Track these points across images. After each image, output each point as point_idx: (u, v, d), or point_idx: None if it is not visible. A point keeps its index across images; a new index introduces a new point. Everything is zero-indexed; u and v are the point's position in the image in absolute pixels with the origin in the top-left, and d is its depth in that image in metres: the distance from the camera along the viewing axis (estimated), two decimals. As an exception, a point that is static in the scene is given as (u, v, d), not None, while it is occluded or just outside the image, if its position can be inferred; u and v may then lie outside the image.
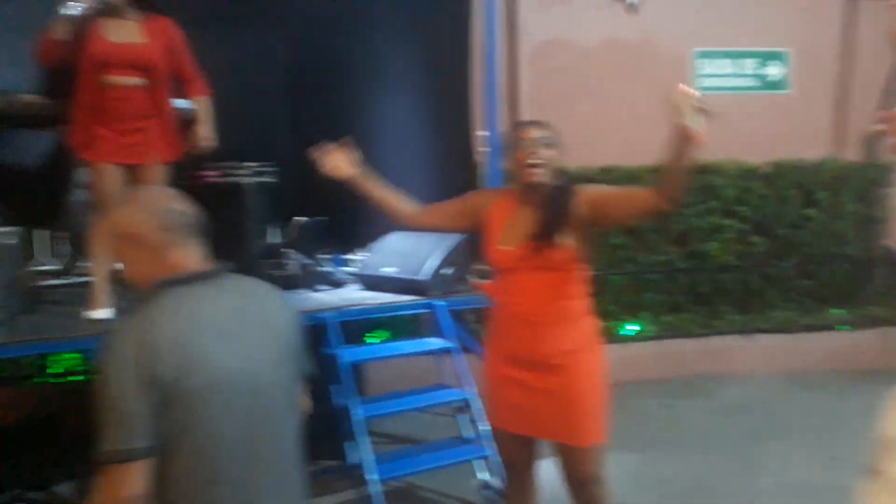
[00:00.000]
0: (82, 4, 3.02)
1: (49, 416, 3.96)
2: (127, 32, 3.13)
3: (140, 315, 1.47)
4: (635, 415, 4.71)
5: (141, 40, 3.15)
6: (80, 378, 4.21)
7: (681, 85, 1.97)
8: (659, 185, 2.12)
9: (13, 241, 3.35)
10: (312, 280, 4.04)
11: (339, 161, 2.63)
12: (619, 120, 6.14)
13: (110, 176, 3.14)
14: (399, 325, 4.84)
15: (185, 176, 3.94)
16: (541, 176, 2.33)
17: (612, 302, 5.71)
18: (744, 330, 5.86)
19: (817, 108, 6.58)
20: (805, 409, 4.88)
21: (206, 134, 3.39)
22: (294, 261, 4.07)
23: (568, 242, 2.31)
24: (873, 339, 5.94)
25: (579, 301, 2.40)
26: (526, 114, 5.99)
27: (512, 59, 5.96)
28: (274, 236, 4.27)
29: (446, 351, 3.60)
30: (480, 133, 4.06)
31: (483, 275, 4.11)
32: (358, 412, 3.23)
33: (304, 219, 4.33)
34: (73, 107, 3.14)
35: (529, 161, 2.33)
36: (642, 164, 5.95)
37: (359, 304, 3.61)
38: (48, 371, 4.28)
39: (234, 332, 1.53)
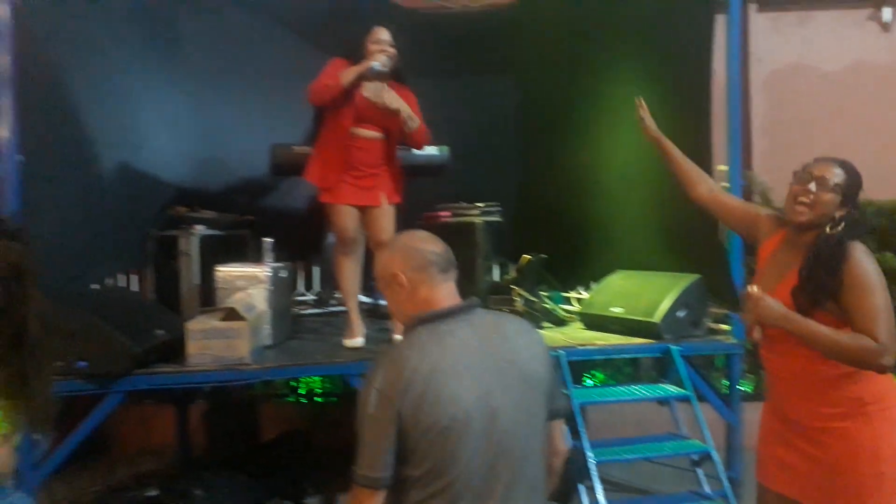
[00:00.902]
0: (384, 66, 3.39)
1: (301, 433, 4.35)
2: (378, 92, 3.45)
3: (395, 351, 1.57)
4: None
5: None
6: (328, 399, 4.63)
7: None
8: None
9: (286, 274, 3.79)
10: (537, 317, 4.07)
11: (648, 121, 2.70)
12: (869, 150, 5.52)
13: (347, 215, 3.47)
14: (616, 367, 4.71)
15: (420, 216, 4.22)
16: (803, 216, 2.07)
17: None
18: None
19: None
20: None
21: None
22: (519, 298, 4.13)
23: (827, 307, 2.00)
24: None
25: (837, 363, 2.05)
26: (759, 146, 5.62)
27: (745, 89, 5.63)
28: (501, 273, 4.39)
29: (681, 399, 3.43)
30: (719, 168, 3.86)
31: (720, 318, 3.89)
32: (589, 456, 3.16)
33: (528, 256, 4.40)
34: (319, 152, 3.53)
35: (799, 198, 2.10)
36: (894, 197, 5.31)
37: (590, 344, 3.55)
38: (300, 391, 4.74)
39: (476, 368, 1.55)
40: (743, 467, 3.46)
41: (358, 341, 3.51)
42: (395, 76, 3.52)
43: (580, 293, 4.39)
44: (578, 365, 4.26)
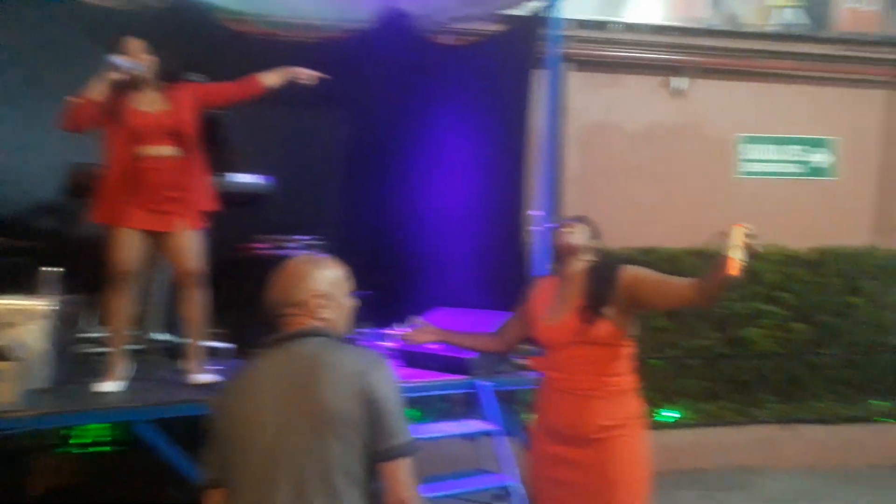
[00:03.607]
0: (128, 63, 3.03)
1: (76, 488, 3.90)
2: (153, 102, 3.16)
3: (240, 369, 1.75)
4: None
5: (168, 107, 3.17)
6: (113, 448, 4.15)
7: (740, 223, 2.09)
8: (698, 287, 2.24)
9: (70, 308, 3.41)
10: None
11: (426, 333, 2.94)
12: (660, 202, 6.18)
13: (127, 244, 3.10)
14: (431, 404, 4.79)
15: (234, 247, 4.06)
16: (573, 238, 2.47)
17: (652, 387, 5.59)
18: (784, 420, 5.70)
19: (862, 195, 6.57)
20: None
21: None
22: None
23: (612, 317, 2.34)
24: (917, 433, 5.74)
25: (623, 377, 2.41)
26: (571, 194, 6.06)
27: (560, 141, 6.06)
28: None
29: (487, 434, 3.55)
30: (532, 212, 4.11)
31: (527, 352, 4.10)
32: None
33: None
34: (103, 184, 3.14)
35: (564, 230, 2.51)
36: (684, 246, 5.96)
37: (402, 383, 3.57)
38: (79, 440, 4.22)
39: (272, 398, 1.62)
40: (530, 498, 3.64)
41: (109, 386, 3.10)
42: (167, 78, 3.23)
43: (399, 330, 4.42)
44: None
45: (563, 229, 2.52)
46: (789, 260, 6.16)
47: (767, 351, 6.02)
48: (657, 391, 5.68)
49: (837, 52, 6.49)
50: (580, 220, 2.56)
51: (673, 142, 6.28)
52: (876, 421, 5.85)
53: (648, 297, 2.35)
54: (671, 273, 5.40)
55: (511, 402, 4.57)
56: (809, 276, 6.16)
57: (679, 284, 2.32)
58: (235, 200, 3.96)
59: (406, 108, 4.36)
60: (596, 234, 2.55)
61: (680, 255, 5.89)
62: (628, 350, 2.44)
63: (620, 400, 2.39)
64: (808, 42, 6.45)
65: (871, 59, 6.57)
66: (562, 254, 2.51)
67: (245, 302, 3.58)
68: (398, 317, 4.49)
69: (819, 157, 6.54)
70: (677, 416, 5.56)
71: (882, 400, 6.04)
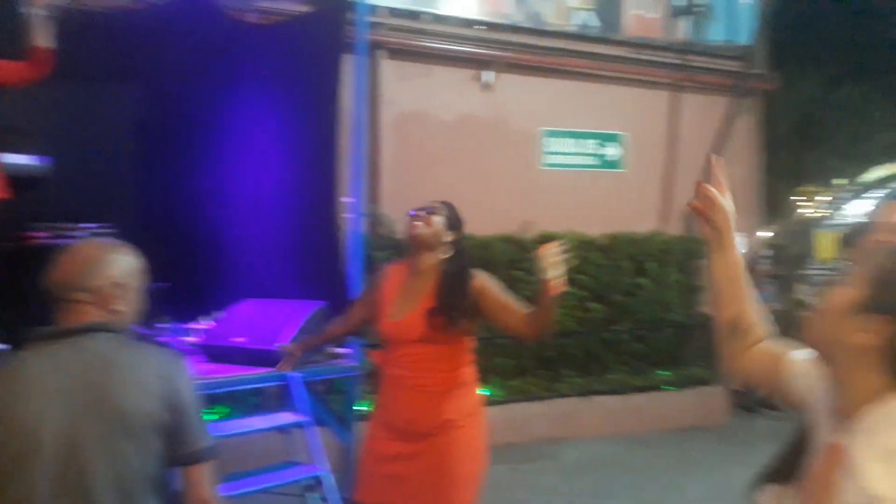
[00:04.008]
0: None
1: None
2: None
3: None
4: (485, 481, 4.79)
5: None
6: None
7: (546, 246, 2.23)
8: (528, 322, 2.35)
9: None
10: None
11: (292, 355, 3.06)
12: (473, 191, 6.40)
13: None
14: (242, 399, 4.62)
15: (10, 236, 3.61)
16: (421, 230, 2.44)
17: (464, 366, 5.83)
18: (583, 393, 6.20)
19: (647, 186, 7.27)
20: (637, 468, 5.22)
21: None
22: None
23: (460, 322, 2.38)
24: (694, 398, 6.50)
25: (464, 369, 2.47)
26: (387, 182, 6.09)
27: (374, 128, 6.06)
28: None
29: (298, 426, 3.48)
30: (345, 199, 4.07)
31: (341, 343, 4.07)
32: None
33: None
34: None
35: (415, 221, 2.46)
36: (495, 233, 6.24)
37: (202, 378, 3.40)
38: None
39: (59, 397, 1.46)
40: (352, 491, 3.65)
41: None
42: None
43: (203, 324, 4.20)
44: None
45: (413, 220, 2.46)
46: (585, 245, 6.67)
47: (569, 329, 6.49)
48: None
49: (628, 55, 7.11)
50: (434, 210, 2.48)
51: (484, 134, 6.54)
52: (661, 389, 6.54)
53: (487, 313, 2.41)
54: (482, 261, 5.65)
55: (330, 392, 4.54)
56: (603, 260, 6.73)
57: (515, 316, 2.39)
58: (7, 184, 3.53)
59: (206, 87, 4.11)
60: (454, 224, 2.50)
61: (492, 242, 6.16)
62: (470, 343, 2.49)
63: (462, 392, 2.43)
64: (602, 44, 6.99)
65: (656, 62, 7.27)
66: (412, 246, 2.47)
67: (19, 298, 3.20)
68: (201, 310, 4.29)
69: (612, 151, 7.14)
70: (488, 394, 5.83)
71: (665, 370, 6.76)
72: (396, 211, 5.81)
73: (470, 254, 2.59)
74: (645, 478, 4.96)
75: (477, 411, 2.50)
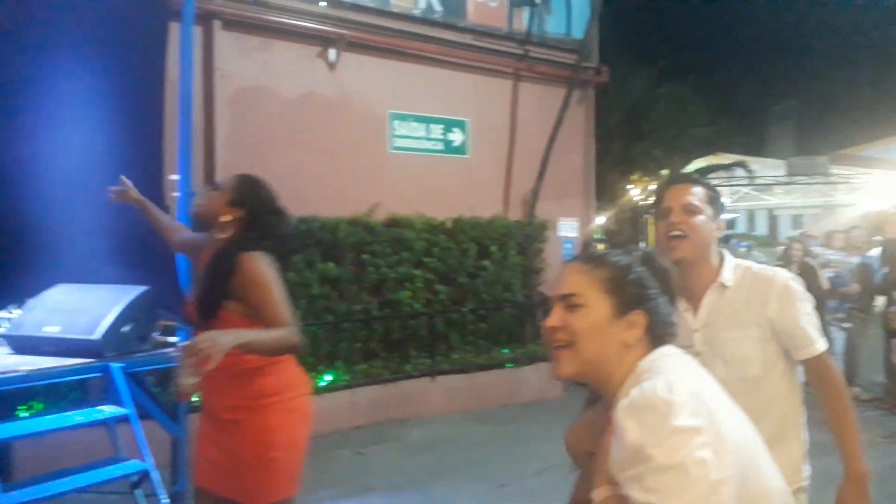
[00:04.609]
0: None
1: None
2: None
3: None
4: (327, 466, 4.74)
5: None
6: None
7: (185, 343, 2.01)
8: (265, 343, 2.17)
9: None
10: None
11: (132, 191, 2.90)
12: (318, 172, 6.26)
13: None
14: (61, 393, 4.25)
15: None
16: (196, 206, 2.37)
17: (311, 353, 5.71)
18: (430, 372, 6.30)
19: (490, 171, 7.49)
20: (480, 443, 5.39)
21: None
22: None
23: (231, 308, 2.20)
24: (532, 374, 6.83)
25: (247, 357, 2.22)
26: (222, 159, 5.79)
27: (208, 102, 5.73)
28: None
29: (122, 419, 3.23)
30: (172, 177, 3.81)
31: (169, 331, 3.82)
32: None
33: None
34: None
35: (196, 198, 2.39)
36: (340, 215, 6.15)
37: (8, 372, 3.06)
38: None
39: None
40: (190, 479, 3.46)
41: None
42: None
43: (10, 313, 3.78)
44: (8, 396, 3.68)
45: (196, 198, 2.37)
46: (433, 228, 6.78)
47: (416, 311, 6.56)
48: (316, 357, 5.82)
49: (472, 42, 7.26)
50: (218, 186, 2.33)
51: (330, 113, 6.40)
52: (503, 367, 6.80)
53: (251, 303, 2.19)
54: (328, 244, 5.52)
55: (164, 382, 4.26)
56: (449, 243, 6.86)
57: (273, 321, 2.16)
58: None
59: (11, 52, 3.68)
60: (236, 201, 2.29)
61: (338, 224, 6.07)
62: (258, 326, 2.35)
63: (249, 379, 2.27)
64: (447, 29, 7.09)
65: (499, 51, 7.48)
66: (197, 224, 2.34)
67: None
68: (8, 298, 3.85)
69: (457, 137, 7.27)
70: (332, 378, 5.76)
71: (506, 348, 7.03)
72: (236, 191, 5.55)
73: (251, 239, 2.32)
74: (488, 452, 5.14)
75: (270, 399, 2.30)
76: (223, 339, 1.94)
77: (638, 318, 1.22)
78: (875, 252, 6.31)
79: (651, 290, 1.25)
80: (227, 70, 5.84)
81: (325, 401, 5.53)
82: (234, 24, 5.85)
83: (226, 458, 2.29)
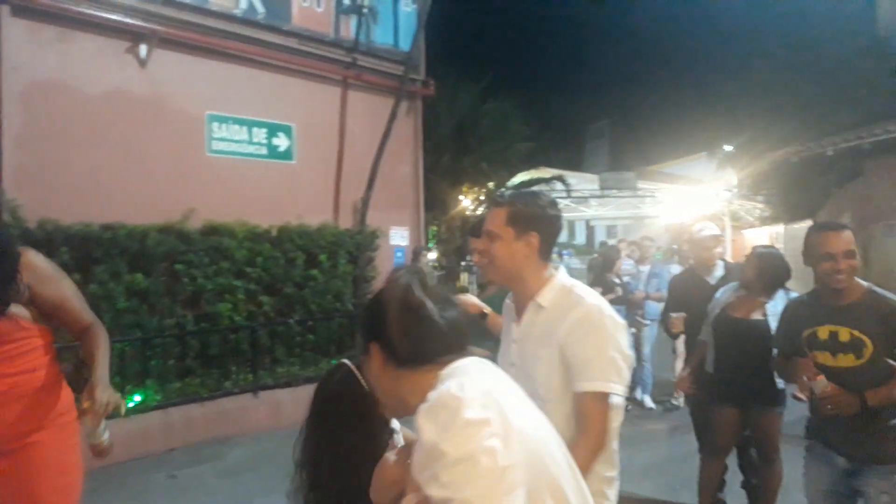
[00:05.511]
0: None
1: None
2: None
3: None
4: (136, 494, 4.37)
5: None
6: None
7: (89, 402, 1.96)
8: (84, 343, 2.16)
9: None
10: None
11: None
12: (125, 175, 5.79)
13: None
14: None
15: None
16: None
17: (117, 372, 5.24)
18: (252, 388, 6.03)
19: (318, 178, 7.35)
20: (305, 460, 5.22)
21: None
22: None
23: (15, 312, 2.01)
24: (363, 385, 6.74)
25: (39, 372, 2.07)
26: (13, 159, 5.17)
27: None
28: None
29: None
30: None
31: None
32: None
33: None
34: None
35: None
36: (150, 222, 5.73)
37: None
38: None
39: None
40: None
41: None
42: None
43: None
44: None
45: None
46: (256, 237, 6.51)
47: (237, 325, 6.26)
48: (123, 376, 5.36)
49: (298, 46, 7.09)
50: None
51: (140, 113, 5.94)
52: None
53: (54, 312, 2.07)
54: (135, 254, 5.13)
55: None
56: (274, 252, 6.63)
57: (74, 325, 2.12)
58: None
59: None
60: None
61: (147, 232, 5.64)
62: (44, 339, 2.11)
63: (38, 398, 2.06)
64: (270, 31, 6.86)
65: (326, 57, 7.37)
66: None
67: None
68: None
69: (282, 142, 7.05)
70: (142, 399, 5.33)
71: (335, 359, 6.90)
72: (25, 194, 4.98)
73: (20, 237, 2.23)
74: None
75: (61, 416, 2.15)
76: (108, 391, 1.96)
77: (377, 349, 1.32)
78: (664, 262, 6.88)
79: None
80: (16, 62, 5.24)
81: (133, 423, 5.10)
82: (25, 10, 5.26)
83: (10, 491, 2.01)
